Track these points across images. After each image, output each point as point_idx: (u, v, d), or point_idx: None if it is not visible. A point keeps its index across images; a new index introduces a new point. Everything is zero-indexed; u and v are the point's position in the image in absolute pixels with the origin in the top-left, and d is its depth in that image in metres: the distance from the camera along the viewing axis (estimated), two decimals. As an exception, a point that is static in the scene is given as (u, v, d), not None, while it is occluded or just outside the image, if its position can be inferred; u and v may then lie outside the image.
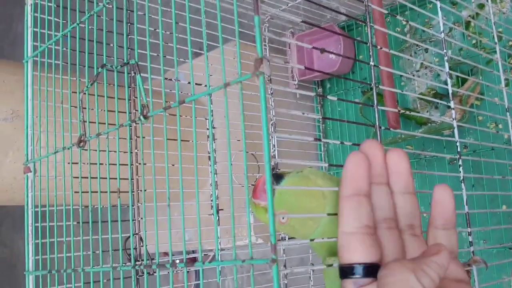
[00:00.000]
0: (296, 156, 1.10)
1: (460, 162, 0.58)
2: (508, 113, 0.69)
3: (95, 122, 0.57)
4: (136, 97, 0.77)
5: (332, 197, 0.46)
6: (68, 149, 0.59)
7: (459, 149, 0.58)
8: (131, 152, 0.74)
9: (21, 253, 2.65)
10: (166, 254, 1.50)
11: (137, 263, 0.49)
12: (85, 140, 0.56)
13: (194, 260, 1.65)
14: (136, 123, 0.49)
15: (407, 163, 0.35)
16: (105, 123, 0.56)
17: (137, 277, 0.72)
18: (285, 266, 1.02)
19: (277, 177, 0.48)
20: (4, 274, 2.81)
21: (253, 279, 0.39)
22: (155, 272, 0.77)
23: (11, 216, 2.78)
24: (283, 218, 0.47)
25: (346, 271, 0.32)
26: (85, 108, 0.58)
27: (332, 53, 0.99)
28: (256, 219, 1.02)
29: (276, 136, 0.88)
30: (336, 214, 0.37)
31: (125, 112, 0.59)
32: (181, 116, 0.47)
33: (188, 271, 1.64)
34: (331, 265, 0.39)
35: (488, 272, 0.79)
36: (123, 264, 0.51)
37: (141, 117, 0.48)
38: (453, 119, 0.58)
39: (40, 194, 0.65)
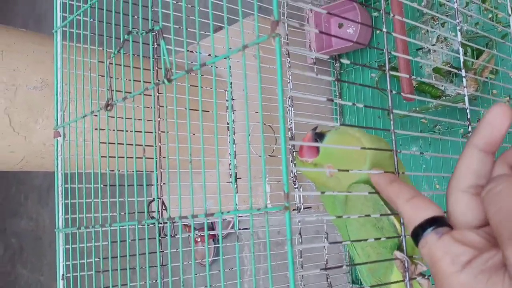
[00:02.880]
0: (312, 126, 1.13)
1: (470, 129, 0.60)
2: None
3: (121, 91, 0.60)
4: (160, 68, 0.80)
5: (370, 147, 0.50)
6: (96, 113, 0.62)
7: (469, 116, 0.60)
8: (155, 119, 0.78)
9: (46, 226, 2.73)
10: (187, 226, 1.54)
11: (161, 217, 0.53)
12: (112, 104, 0.60)
13: (214, 235, 1.68)
14: (160, 86, 0.52)
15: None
16: (131, 92, 0.60)
17: (160, 237, 0.76)
18: (301, 241, 1.05)
19: (320, 135, 0.52)
20: (30, 245, 2.90)
21: (267, 226, 0.42)
22: (177, 235, 0.82)
23: (37, 190, 2.86)
24: (329, 172, 0.51)
25: (421, 229, 0.33)
26: (112, 77, 0.61)
27: (351, 20, 1.01)
28: (272, 189, 1.06)
29: (293, 95, 0.91)
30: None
31: (150, 82, 0.63)
32: (202, 87, 0.50)
33: (208, 246, 1.69)
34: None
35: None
36: (147, 220, 0.55)
37: (165, 80, 0.51)
38: (464, 87, 0.60)
39: (69, 158, 0.69)
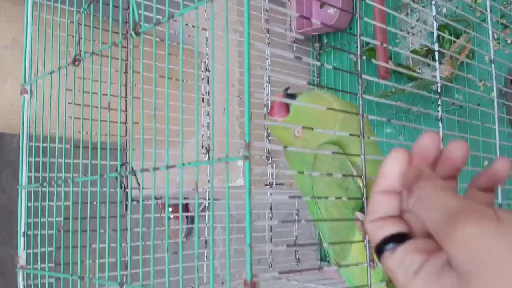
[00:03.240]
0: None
1: (440, 114, 0.59)
2: (493, 65, 0.71)
3: (89, 40, 0.58)
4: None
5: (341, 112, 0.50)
6: (63, 69, 0.61)
7: (439, 103, 0.60)
8: (124, 72, 0.77)
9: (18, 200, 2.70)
10: (161, 205, 1.53)
11: (123, 170, 0.52)
12: (79, 59, 0.59)
13: (187, 209, 1.67)
14: (128, 39, 0.51)
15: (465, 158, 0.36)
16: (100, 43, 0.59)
17: (126, 202, 0.75)
18: (271, 216, 1.04)
19: (291, 96, 0.52)
20: (1, 219, 2.86)
21: (227, 175, 0.41)
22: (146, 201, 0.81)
23: (11, 165, 2.82)
24: (297, 132, 0.51)
25: (380, 249, 0.34)
26: (81, 37, 0.60)
27: (331, 5, 1.00)
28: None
29: (271, 76, 0.90)
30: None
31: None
32: (176, 56, 0.50)
33: (179, 217, 1.68)
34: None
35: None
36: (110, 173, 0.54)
37: (132, 33, 0.50)
38: (437, 71, 0.60)
39: (35, 117, 0.68)
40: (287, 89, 0.52)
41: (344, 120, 0.51)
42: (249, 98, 0.40)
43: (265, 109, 1.03)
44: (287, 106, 0.52)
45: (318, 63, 1.13)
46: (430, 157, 0.36)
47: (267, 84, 1.04)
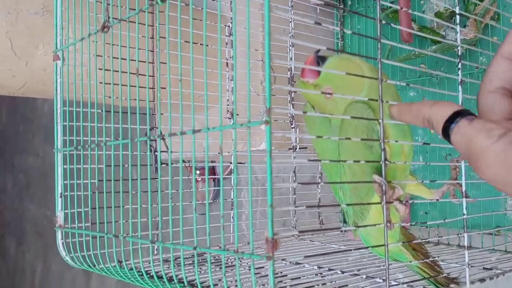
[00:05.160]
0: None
1: (460, 78, 0.59)
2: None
3: (117, 6, 0.60)
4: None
5: (371, 75, 0.52)
6: (93, 35, 0.63)
7: (459, 67, 0.60)
8: (151, 38, 0.79)
9: (52, 163, 2.79)
10: (188, 167, 1.57)
11: (152, 134, 0.55)
12: (108, 26, 0.61)
13: (213, 172, 1.71)
14: (153, 8, 0.53)
15: None
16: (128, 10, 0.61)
17: (155, 165, 0.79)
18: (295, 179, 1.06)
19: (322, 58, 0.54)
20: (37, 181, 2.97)
21: (249, 138, 0.44)
22: (175, 164, 0.84)
23: (43, 129, 2.90)
24: (329, 93, 0.53)
25: (450, 122, 0.36)
26: (109, 3, 0.62)
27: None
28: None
29: (294, 44, 0.92)
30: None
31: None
32: (201, 21, 0.51)
33: (209, 180, 1.73)
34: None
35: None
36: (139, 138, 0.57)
37: (158, 0, 0.52)
38: (457, 35, 0.60)
39: (67, 85, 0.71)
40: (318, 51, 0.54)
41: (372, 82, 0.53)
42: (270, 63, 0.42)
43: (289, 73, 1.04)
44: (318, 67, 0.54)
45: (338, 29, 1.13)
46: None
47: (290, 48, 1.05)
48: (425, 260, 0.57)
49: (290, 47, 1.04)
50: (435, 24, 0.99)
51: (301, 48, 1.05)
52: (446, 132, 0.37)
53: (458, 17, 0.60)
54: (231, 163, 1.05)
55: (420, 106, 0.41)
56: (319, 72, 0.54)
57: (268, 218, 0.40)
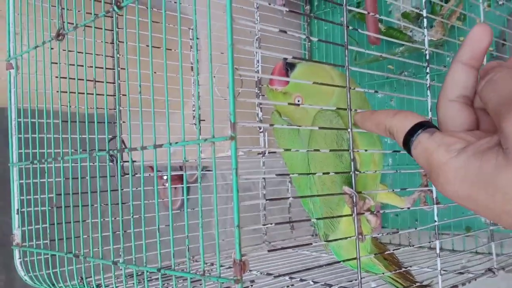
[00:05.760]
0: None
1: (429, 83, 0.58)
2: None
3: (71, 9, 0.57)
4: None
5: (340, 82, 0.50)
6: (47, 43, 0.60)
7: (427, 71, 0.58)
8: (111, 43, 0.76)
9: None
10: (151, 168, 1.53)
11: (112, 149, 0.52)
12: (63, 34, 0.57)
13: (180, 178, 1.67)
14: (111, 14, 0.50)
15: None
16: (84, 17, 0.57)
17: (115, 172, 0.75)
18: (264, 184, 1.04)
19: (290, 65, 0.52)
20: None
21: (214, 157, 0.41)
22: (137, 173, 0.81)
23: (3, 134, 2.80)
24: (298, 100, 0.52)
25: (410, 135, 0.35)
26: (63, 8, 0.59)
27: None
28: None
29: (260, 52, 0.89)
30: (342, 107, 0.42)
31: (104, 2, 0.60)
32: (166, 24, 0.48)
33: (175, 188, 1.69)
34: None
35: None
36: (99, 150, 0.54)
37: (115, 7, 0.49)
38: (427, 38, 0.59)
39: (21, 92, 0.67)
40: (286, 58, 0.52)
41: (342, 90, 0.51)
42: (233, 76, 0.40)
43: (256, 76, 1.02)
44: (286, 75, 0.52)
45: (304, 36, 1.12)
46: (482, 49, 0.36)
47: (257, 51, 1.03)
48: (397, 271, 0.55)
49: (257, 49, 1.02)
50: (402, 25, 0.98)
51: (269, 46, 1.03)
52: (406, 145, 0.35)
53: (425, 20, 0.59)
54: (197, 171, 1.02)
55: (381, 116, 0.40)
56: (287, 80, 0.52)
57: (235, 239, 0.37)
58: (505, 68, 0.33)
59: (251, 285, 0.62)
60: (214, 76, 0.99)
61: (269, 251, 0.39)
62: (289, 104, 0.49)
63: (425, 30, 0.59)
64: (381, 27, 0.96)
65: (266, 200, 0.41)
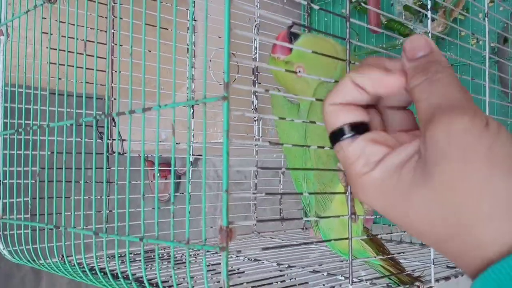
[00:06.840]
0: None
1: None
2: (486, 19, 0.69)
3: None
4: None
5: (344, 57, 0.48)
6: (40, 6, 0.58)
7: None
8: (105, 18, 0.74)
9: None
10: (147, 162, 1.51)
11: (98, 113, 0.50)
12: (54, -3, 0.55)
13: (169, 170, 1.64)
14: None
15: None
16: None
17: (107, 153, 0.73)
18: (256, 173, 1.02)
19: (295, 35, 0.50)
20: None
21: (205, 115, 0.40)
22: (125, 153, 0.78)
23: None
24: (299, 71, 0.50)
25: (335, 135, 0.33)
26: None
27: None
28: (232, 118, 1.03)
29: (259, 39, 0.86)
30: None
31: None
32: (161, 2, 0.47)
33: (165, 178, 1.67)
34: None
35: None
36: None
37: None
38: (429, 31, 0.57)
39: (10, 61, 0.65)
40: (291, 26, 0.50)
41: (345, 65, 0.50)
42: (229, 36, 0.38)
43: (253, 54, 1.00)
44: (290, 43, 0.50)
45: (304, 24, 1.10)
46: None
47: (255, 32, 1.01)
48: (387, 257, 0.53)
49: (255, 35, 1.00)
50: (403, 17, 0.97)
51: (268, 34, 1.01)
52: (332, 142, 0.33)
53: (429, 13, 0.57)
54: (192, 155, 1.00)
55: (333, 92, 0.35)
56: (291, 48, 0.50)
57: (223, 204, 0.35)
58: (446, 68, 0.31)
59: (237, 256, 0.60)
60: (210, 60, 0.97)
61: (258, 221, 0.37)
62: (287, 71, 0.48)
63: (429, 23, 0.57)
64: (382, 19, 0.94)
65: (254, 194, 0.39)
